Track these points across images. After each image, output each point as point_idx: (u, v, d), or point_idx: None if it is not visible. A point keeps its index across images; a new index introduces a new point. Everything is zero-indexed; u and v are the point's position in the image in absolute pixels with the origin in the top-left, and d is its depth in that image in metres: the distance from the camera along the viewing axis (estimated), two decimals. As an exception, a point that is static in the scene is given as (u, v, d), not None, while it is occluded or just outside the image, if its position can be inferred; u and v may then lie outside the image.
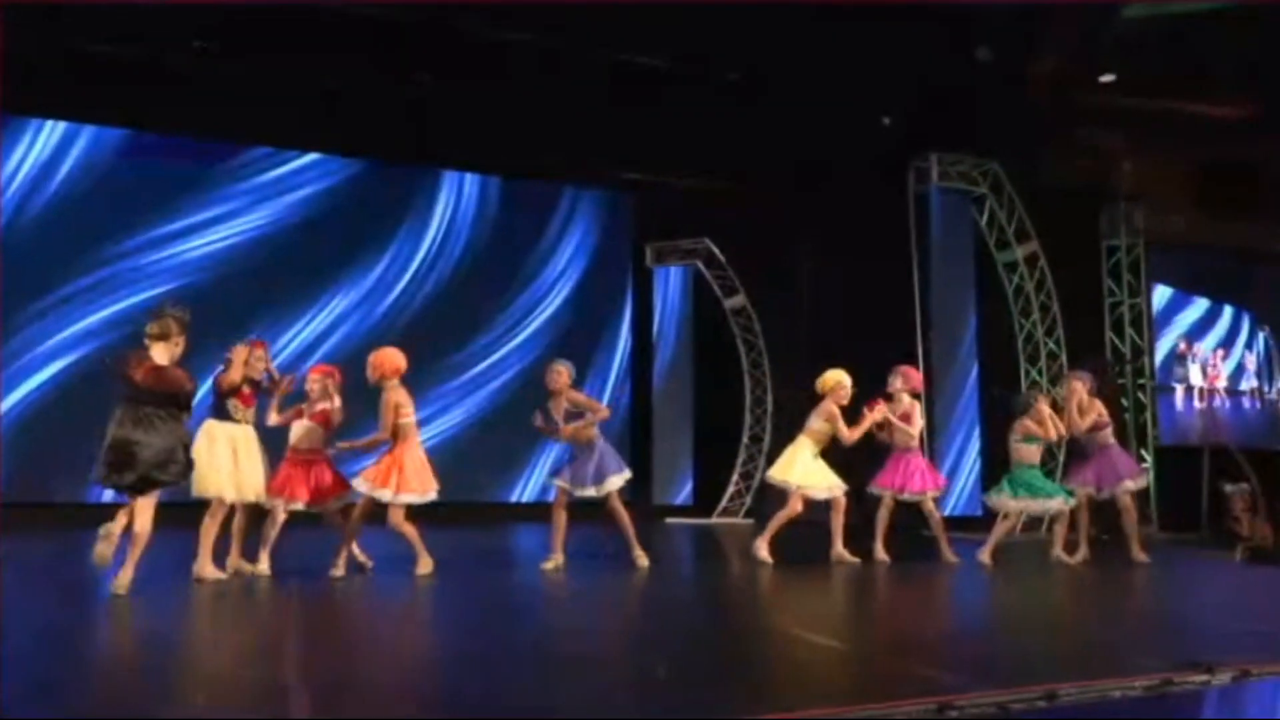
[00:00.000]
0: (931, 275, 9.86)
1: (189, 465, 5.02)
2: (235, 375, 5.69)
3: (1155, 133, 9.75)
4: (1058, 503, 7.06)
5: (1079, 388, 7.21)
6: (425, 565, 5.91)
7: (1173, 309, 11.10)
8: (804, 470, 6.82)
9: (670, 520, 10.99)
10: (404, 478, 5.80)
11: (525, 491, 11.83)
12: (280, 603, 5.05)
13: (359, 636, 4.36)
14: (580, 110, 10.05)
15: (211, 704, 2.92)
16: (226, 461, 5.60)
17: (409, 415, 5.94)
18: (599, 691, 3.14)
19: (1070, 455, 8.36)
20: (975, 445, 9.79)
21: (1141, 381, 10.38)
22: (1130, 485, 7.04)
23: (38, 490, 9.74)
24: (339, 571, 5.77)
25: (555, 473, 6.56)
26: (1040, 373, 9.95)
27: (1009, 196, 10.00)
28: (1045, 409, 7.05)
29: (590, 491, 6.29)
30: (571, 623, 4.75)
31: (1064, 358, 9.81)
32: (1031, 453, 7.15)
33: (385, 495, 5.77)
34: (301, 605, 5.00)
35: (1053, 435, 7.08)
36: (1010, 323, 10.08)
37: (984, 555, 6.95)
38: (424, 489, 5.88)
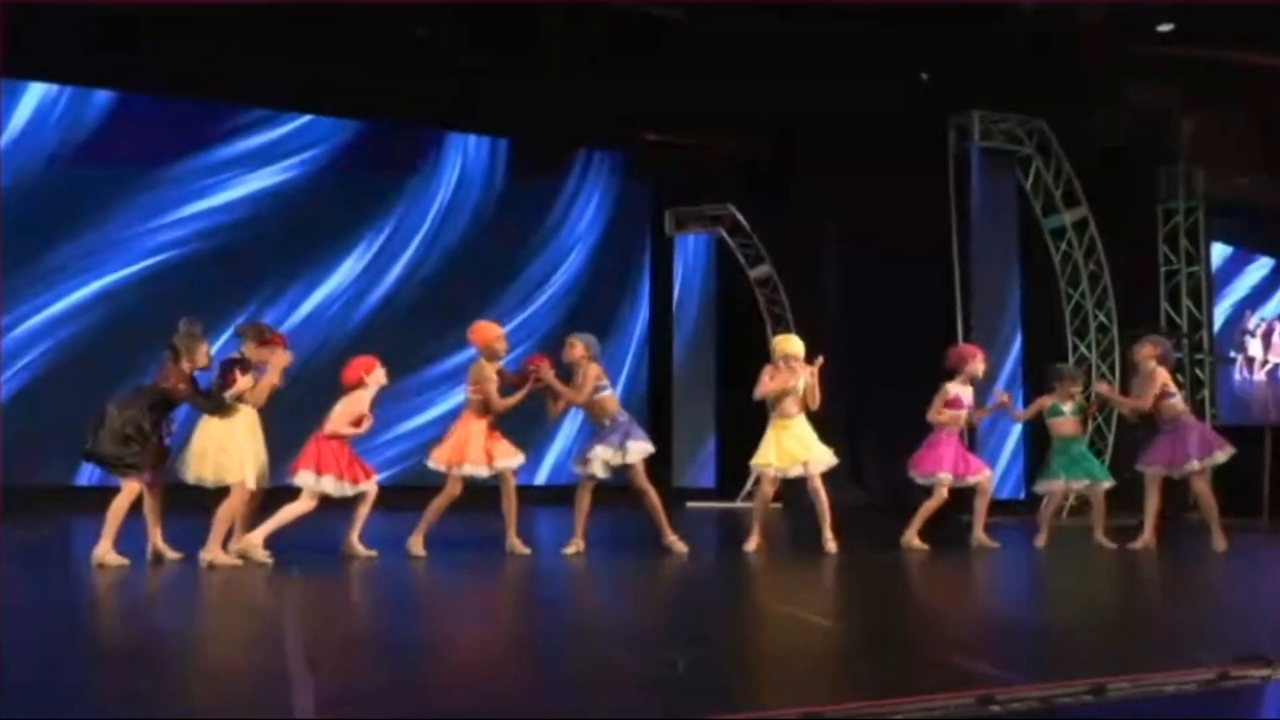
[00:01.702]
0: (972, 243, 9.77)
1: (140, 457, 5.52)
2: (274, 379, 5.89)
3: (1217, 86, 9.56)
4: (1104, 486, 7.20)
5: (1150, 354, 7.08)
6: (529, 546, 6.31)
7: (1231, 271, 10.91)
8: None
9: (691, 505, 11.01)
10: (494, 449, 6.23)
11: (536, 474, 11.88)
12: (280, 588, 5.11)
13: (378, 627, 4.40)
14: (594, 66, 9.97)
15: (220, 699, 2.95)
16: (248, 446, 5.79)
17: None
18: (623, 686, 3.14)
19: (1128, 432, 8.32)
20: (1017, 425, 9.71)
21: (1200, 357, 10.27)
22: (1195, 464, 6.89)
23: (23, 472, 9.88)
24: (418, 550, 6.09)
25: (580, 456, 6.55)
26: (1090, 347, 9.86)
27: (1057, 157, 9.87)
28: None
29: (616, 458, 6.31)
30: (598, 612, 4.78)
31: (1115, 331, 9.71)
32: (1067, 424, 7.24)
33: (485, 470, 6.18)
34: (307, 592, 5.06)
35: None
36: (1057, 294, 9.98)
37: (1040, 540, 7.15)
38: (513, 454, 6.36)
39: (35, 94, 10.44)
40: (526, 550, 6.31)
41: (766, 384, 6.69)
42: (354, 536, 6.05)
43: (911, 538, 6.81)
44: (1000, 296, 9.86)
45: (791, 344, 6.85)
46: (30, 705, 2.77)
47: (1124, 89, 9.75)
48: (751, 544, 6.55)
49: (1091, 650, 3.75)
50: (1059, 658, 3.58)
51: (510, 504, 6.32)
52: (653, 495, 6.45)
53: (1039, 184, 9.95)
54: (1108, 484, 7.29)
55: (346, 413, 5.94)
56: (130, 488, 5.60)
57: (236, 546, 5.76)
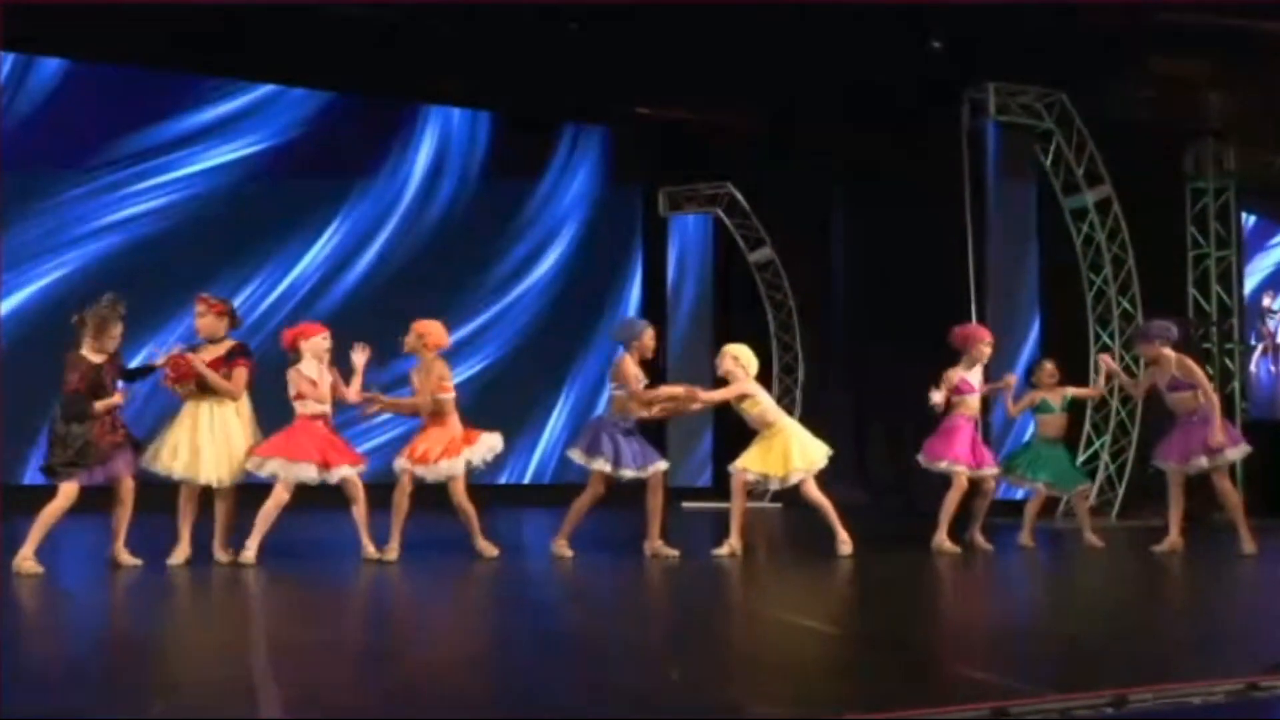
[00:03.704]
0: (987, 223, 9.76)
1: (65, 461, 5.48)
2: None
3: (1249, 57, 9.55)
4: (1078, 489, 7.58)
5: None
6: (489, 549, 6.31)
7: (1253, 245, 10.92)
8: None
9: (687, 505, 11.01)
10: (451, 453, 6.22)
11: (515, 473, 11.89)
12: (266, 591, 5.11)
13: (374, 629, 4.39)
14: (581, 34, 9.93)
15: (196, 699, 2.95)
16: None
17: (451, 390, 6.34)
18: (613, 695, 3.14)
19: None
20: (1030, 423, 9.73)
21: (1230, 346, 10.29)
22: (1204, 462, 6.88)
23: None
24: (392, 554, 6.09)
25: (591, 452, 6.46)
26: (1112, 335, 9.87)
27: (1079, 132, 9.85)
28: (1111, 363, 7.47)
29: (630, 473, 6.40)
30: (594, 615, 4.78)
31: (1140, 318, 9.72)
32: (1051, 423, 7.46)
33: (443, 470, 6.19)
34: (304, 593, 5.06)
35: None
36: (1078, 279, 9.99)
37: (1023, 538, 7.32)
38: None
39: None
40: (674, 552, 6.43)
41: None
42: (365, 538, 6.04)
43: (942, 540, 6.82)
44: (1017, 281, 9.87)
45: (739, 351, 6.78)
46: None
47: (1150, 59, 9.74)
48: (725, 548, 6.54)
49: (1112, 659, 3.76)
50: (1077, 667, 3.59)
51: (656, 503, 6.47)
52: (659, 501, 6.58)
53: (1059, 161, 9.95)
54: (1073, 490, 7.59)
55: (291, 385, 5.99)
56: (63, 491, 5.51)
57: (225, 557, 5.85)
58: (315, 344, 6.07)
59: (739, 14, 9.55)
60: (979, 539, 7.07)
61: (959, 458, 6.93)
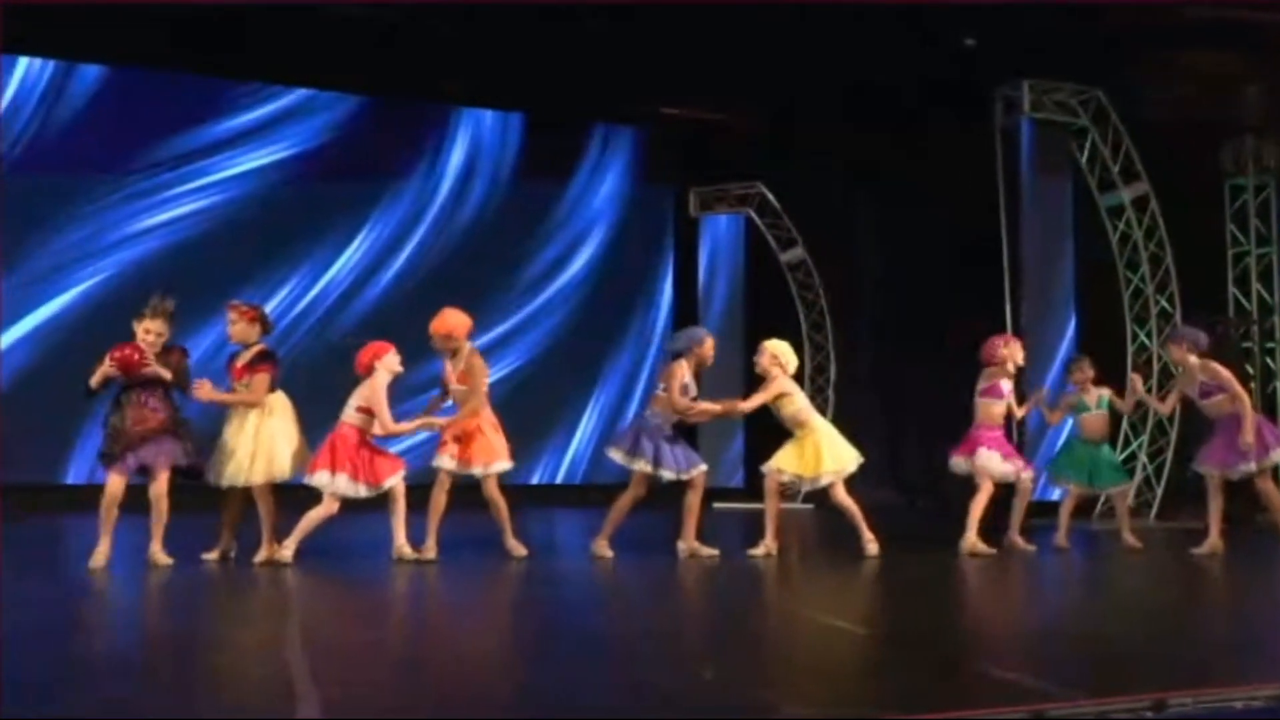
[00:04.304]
0: (1022, 222, 9.68)
1: (105, 447, 5.66)
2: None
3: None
4: (1117, 489, 7.52)
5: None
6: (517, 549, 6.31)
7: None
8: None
9: (719, 505, 10.99)
10: (492, 447, 6.26)
11: (546, 474, 11.93)
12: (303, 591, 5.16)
13: (394, 632, 4.43)
14: (611, 34, 9.95)
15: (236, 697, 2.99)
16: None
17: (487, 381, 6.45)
18: (646, 694, 3.15)
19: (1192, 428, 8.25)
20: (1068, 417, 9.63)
21: (1271, 345, 10.13)
22: (1251, 466, 6.79)
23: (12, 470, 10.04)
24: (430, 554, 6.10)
25: (633, 452, 6.50)
26: (1150, 334, 9.76)
27: (1115, 128, 9.75)
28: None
29: (670, 474, 6.45)
30: (628, 615, 4.80)
31: (1178, 317, 9.59)
32: (1091, 422, 7.41)
33: (479, 469, 6.22)
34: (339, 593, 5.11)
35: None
36: (1115, 277, 9.88)
37: (1058, 539, 7.26)
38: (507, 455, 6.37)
39: (18, 70, 10.55)
40: (714, 551, 6.48)
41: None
42: (400, 539, 6.06)
43: (974, 542, 6.76)
44: (1052, 280, 9.77)
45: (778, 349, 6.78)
46: (28, 709, 2.81)
47: (1185, 55, 9.62)
48: (761, 548, 6.53)
49: (1151, 662, 3.71)
50: (1115, 670, 3.55)
51: (694, 502, 6.53)
52: (698, 504, 6.61)
53: (1095, 158, 9.85)
54: (1115, 487, 7.55)
55: (357, 399, 5.97)
56: (107, 481, 5.66)
57: (260, 557, 5.91)
58: (389, 361, 6.06)
59: (770, 13, 9.53)
60: (1018, 540, 7.00)
61: (987, 459, 6.88)
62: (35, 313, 10.47)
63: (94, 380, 5.67)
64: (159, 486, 5.69)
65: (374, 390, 5.95)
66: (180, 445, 5.73)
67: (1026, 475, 7.05)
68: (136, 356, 5.65)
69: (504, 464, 6.32)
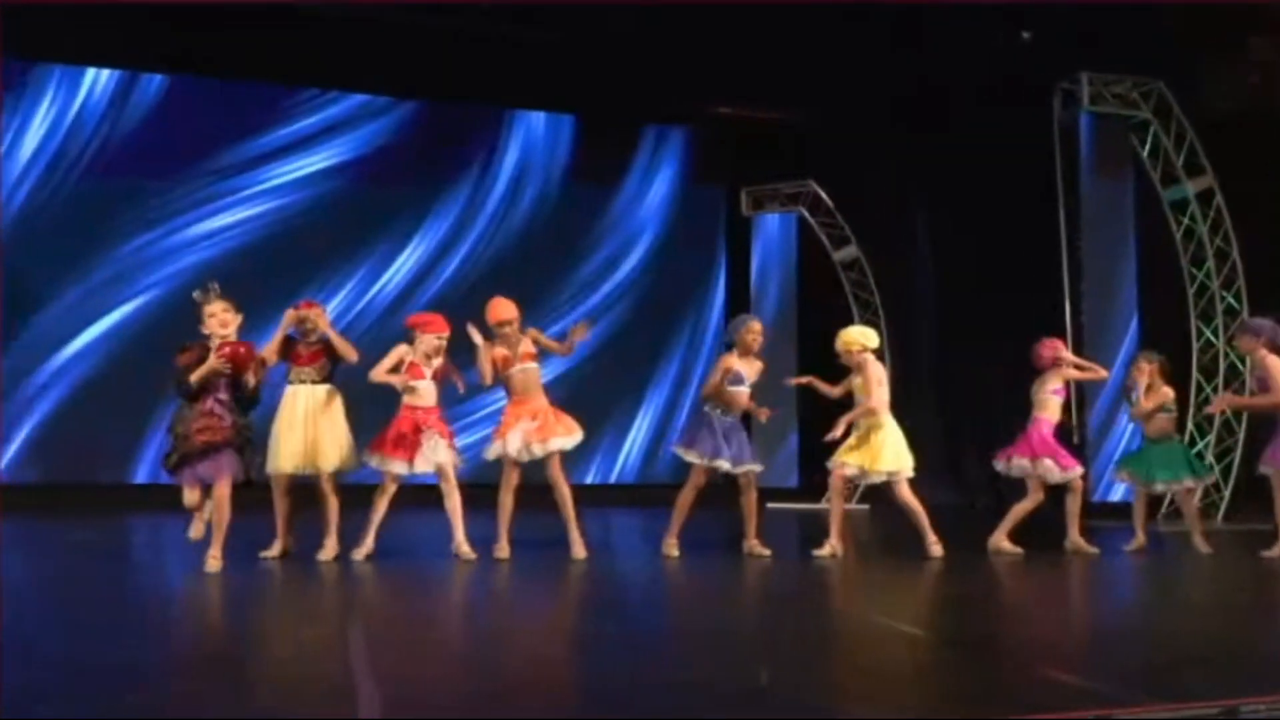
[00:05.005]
0: (1081, 218, 9.53)
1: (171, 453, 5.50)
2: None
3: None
4: (1183, 484, 7.11)
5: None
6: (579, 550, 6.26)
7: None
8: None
9: (773, 505, 10.96)
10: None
11: (600, 473, 11.96)
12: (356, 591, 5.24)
13: (451, 630, 4.49)
14: (662, 35, 9.96)
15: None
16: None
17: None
18: (702, 695, 3.15)
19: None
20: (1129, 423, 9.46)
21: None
22: None
23: (82, 470, 10.34)
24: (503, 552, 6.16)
25: (690, 444, 6.54)
26: (1216, 332, 9.54)
27: (1177, 121, 9.55)
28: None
29: (725, 465, 6.45)
30: (687, 615, 4.81)
31: (1245, 314, 9.37)
32: (1156, 422, 7.15)
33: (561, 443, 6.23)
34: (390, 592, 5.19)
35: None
36: (1179, 273, 9.67)
37: (1131, 544, 7.02)
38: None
39: (88, 79, 10.84)
40: (767, 552, 6.47)
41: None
42: (460, 536, 6.11)
43: (1001, 540, 6.70)
44: (1114, 277, 9.60)
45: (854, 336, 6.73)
46: (94, 702, 2.89)
47: (1252, 41, 9.40)
48: (826, 548, 6.49)
49: (1222, 667, 3.64)
50: (1185, 676, 3.48)
51: (753, 506, 6.56)
52: (754, 500, 6.63)
53: (1157, 151, 9.65)
54: (1189, 485, 7.15)
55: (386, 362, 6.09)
56: (185, 494, 5.57)
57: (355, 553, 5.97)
58: (426, 340, 6.14)
59: (821, 9, 9.48)
60: (1080, 542, 6.87)
61: (1050, 465, 6.79)
62: (102, 319, 10.73)
63: (196, 376, 5.40)
64: (220, 490, 5.49)
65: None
66: (239, 460, 5.51)
67: (1077, 474, 6.93)
68: (243, 350, 5.50)
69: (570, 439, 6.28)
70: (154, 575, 6.18)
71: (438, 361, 6.18)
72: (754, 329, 6.58)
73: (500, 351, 6.32)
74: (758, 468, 6.63)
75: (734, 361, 6.49)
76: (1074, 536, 6.90)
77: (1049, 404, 6.90)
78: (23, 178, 10.58)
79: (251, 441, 5.63)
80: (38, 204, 10.59)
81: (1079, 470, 6.97)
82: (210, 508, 5.53)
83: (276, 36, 9.94)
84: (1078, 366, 7.11)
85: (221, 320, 5.50)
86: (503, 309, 6.36)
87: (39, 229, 10.53)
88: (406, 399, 6.11)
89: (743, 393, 6.57)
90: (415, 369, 6.11)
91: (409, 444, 6.02)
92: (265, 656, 3.81)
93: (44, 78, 10.69)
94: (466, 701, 3.07)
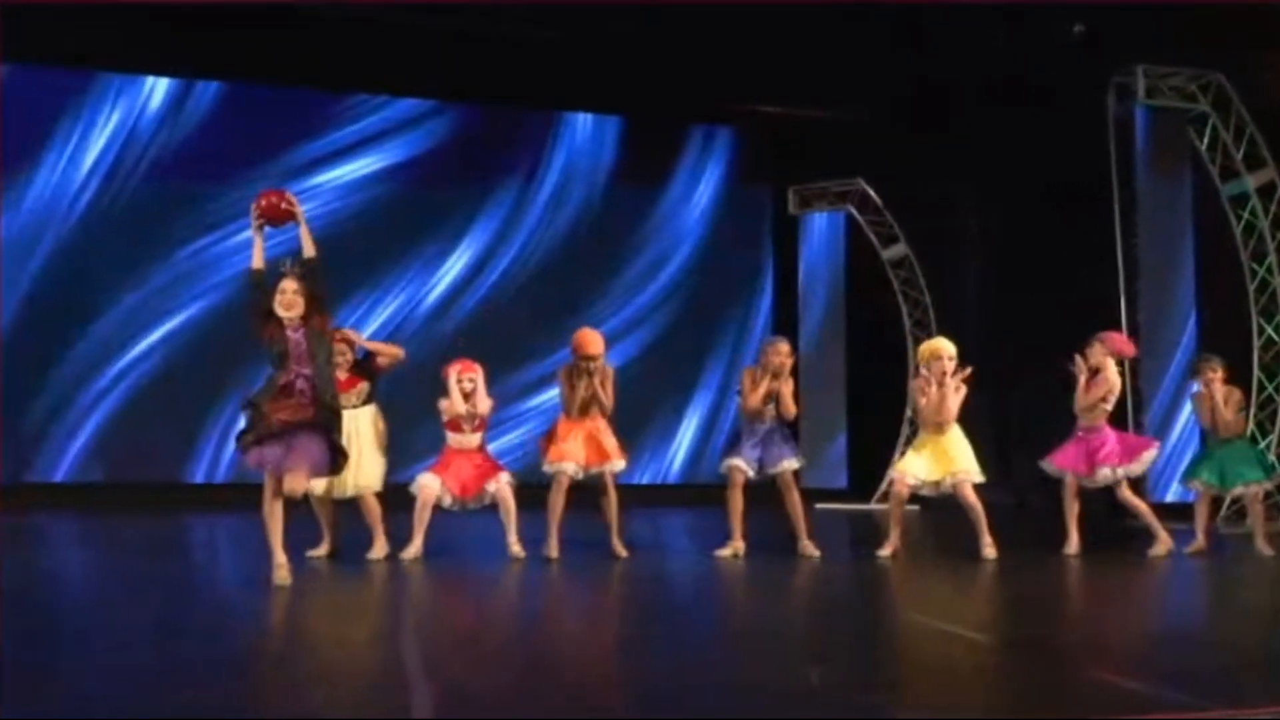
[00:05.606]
0: (1138, 213, 9.35)
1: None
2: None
3: None
4: (1249, 488, 6.88)
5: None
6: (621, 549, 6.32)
7: None
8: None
9: (821, 506, 10.89)
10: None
11: (647, 474, 11.97)
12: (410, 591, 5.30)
13: (499, 628, 4.52)
14: (708, 34, 9.95)
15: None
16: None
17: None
18: (754, 696, 3.15)
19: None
20: (1190, 418, 9.25)
21: None
22: None
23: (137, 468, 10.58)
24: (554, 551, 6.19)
25: (729, 451, 6.66)
26: (1278, 329, 9.31)
27: (1237, 113, 9.33)
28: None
29: (748, 469, 6.46)
30: (737, 614, 4.80)
31: (1308, 310, 9.14)
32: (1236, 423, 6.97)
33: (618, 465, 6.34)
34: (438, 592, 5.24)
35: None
36: (1239, 269, 9.45)
37: (1192, 546, 6.79)
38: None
39: (145, 89, 11.07)
40: (817, 552, 6.45)
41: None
42: (513, 537, 6.19)
43: (1077, 543, 6.62)
44: (1171, 273, 9.40)
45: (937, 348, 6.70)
46: (142, 699, 2.95)
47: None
48: (888, 549, 6.45)
49: (1284, 672, 3.55)
50: (1245, 679, 3.40)
51: (796, 507, 6.55)
52: (798, 500, 6.60)
53: (1216, 145, 9.44)
54: (1255, 487, 6.91)
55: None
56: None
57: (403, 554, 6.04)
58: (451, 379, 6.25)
59: (865, 9, 9.42)
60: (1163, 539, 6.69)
61: (1069, 464, 6.73)
62: (161, 324, 10.96)
63: (256, 254, 5.23)
64: (291, 482, 4.80)
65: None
66: (328, 454, 4.90)
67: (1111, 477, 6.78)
68: (275, 198, 5.26)
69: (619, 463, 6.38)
70: (208, 574, 6.28)
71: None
72: (780, 350, 6.54)
73: (589, 386, 6.33)
74: (792, 465, 6.54)
75: (760, 377, 6.47)
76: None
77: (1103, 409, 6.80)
78: (84, 186, 10.84)
79: (342, 427, 5.04)
80: (99, 211, 10.84)
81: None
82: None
83: (327, 43, 10.11)
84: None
85: (289, 301, 5.05)
86: (593, 343, 6.33)
87: (98, 236, 10.78)
88: (452, 443, 6.26)
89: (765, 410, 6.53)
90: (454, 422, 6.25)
91: (468, 486, 6.20)
92: (317, 656, 3.87)
93: (104, 87, 10.94)
94: (516, 700, 3.08)
